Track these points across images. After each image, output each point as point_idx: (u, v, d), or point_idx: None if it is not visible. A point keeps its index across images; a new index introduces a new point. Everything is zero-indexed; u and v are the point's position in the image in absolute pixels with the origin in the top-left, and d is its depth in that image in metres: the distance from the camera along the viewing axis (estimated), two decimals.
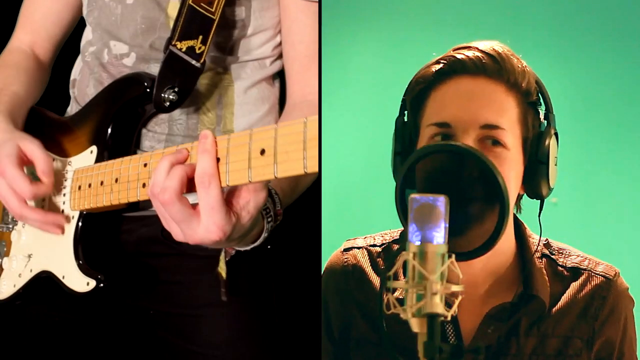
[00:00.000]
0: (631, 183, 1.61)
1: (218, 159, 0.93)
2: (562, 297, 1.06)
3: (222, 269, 1.19)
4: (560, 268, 1.08)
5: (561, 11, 1.64)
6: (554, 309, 1.05)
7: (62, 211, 1.23)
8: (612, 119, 1.63)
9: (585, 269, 1.08)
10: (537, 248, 1.07)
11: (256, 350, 1.27)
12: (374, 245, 1.14)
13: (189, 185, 0.94)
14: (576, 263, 1.08)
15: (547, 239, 1.10)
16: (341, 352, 1.12)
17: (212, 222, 0.91)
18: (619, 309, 1.07)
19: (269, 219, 1.01)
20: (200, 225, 0.92)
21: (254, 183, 0.91)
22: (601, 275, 1.07)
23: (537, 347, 1.04)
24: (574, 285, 1.07)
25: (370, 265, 1.12)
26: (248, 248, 1.03)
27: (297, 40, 1.22)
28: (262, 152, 0.88)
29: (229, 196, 0.94)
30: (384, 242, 1.14)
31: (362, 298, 1.11)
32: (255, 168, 0.89)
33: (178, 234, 0.96)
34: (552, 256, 1.09)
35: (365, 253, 1.13)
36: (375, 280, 1.10)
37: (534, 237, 1.09)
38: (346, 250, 1.15)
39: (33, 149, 1.15)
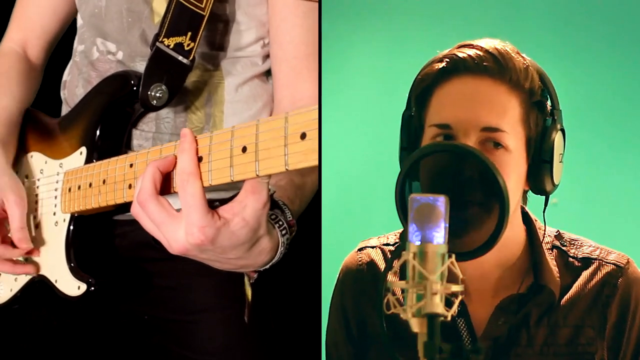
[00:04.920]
0: (634, 183, 1.60)
1: (200, 158, 0.90)
2: (573, 287, 1.05)
3: (248, 291, 1.12)
4: (571, 259, 1.07)
5: (564, 9, 1.62)
6: (564, 299, 1.04)
7: (54, 214, 1.21)
8: (615, 117, 1.62)
9: (596, 258, 1.07)
10: (543, 239, 1.06)
11: (252, 356, 1.25)
12: (387, 245, 1.13)
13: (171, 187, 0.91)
14: (587, 253, 1.07)
15: (558, 231, 1.09)
16: (361, 353, 1.12)
17: (192, 223, 0.86)
18: (631, 295, 1.05)
19: (283, 232, 0.95)
20: (181, 228, 0.87)
21: (252, 184, 0.87)
22: (612, 264, 1.06)
23: (549, 337, 1.03)
24: (585, 275, 1.06)
25: (385, 263, 1.11)
26: (267, 266, 0.97)
27: (286, 41, 1.17)
28: (244, 149, 0.86)
29: (223, 201, 0.90)
30: (397, 241, 1.13)
31: (376, 296, 1.10)
32: (237, 166, 0.87)
33: (163, 241, 0.91)
34: (564, 247, 1.08)
35: (379, 251, 1.13)
36: None
37: (542, 229, 1.08)
38: (360, 250, 1.15)
39: (12, 204, 1.17)
